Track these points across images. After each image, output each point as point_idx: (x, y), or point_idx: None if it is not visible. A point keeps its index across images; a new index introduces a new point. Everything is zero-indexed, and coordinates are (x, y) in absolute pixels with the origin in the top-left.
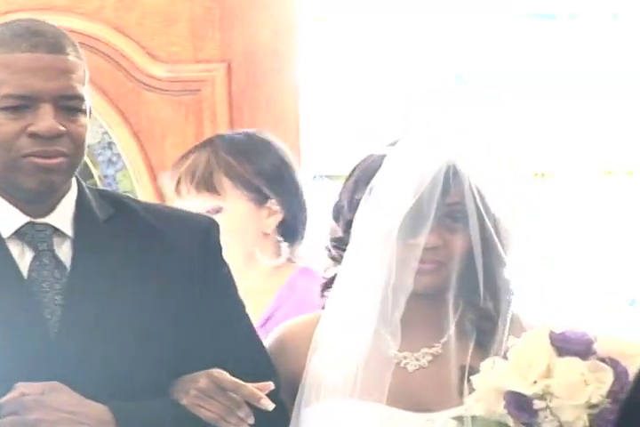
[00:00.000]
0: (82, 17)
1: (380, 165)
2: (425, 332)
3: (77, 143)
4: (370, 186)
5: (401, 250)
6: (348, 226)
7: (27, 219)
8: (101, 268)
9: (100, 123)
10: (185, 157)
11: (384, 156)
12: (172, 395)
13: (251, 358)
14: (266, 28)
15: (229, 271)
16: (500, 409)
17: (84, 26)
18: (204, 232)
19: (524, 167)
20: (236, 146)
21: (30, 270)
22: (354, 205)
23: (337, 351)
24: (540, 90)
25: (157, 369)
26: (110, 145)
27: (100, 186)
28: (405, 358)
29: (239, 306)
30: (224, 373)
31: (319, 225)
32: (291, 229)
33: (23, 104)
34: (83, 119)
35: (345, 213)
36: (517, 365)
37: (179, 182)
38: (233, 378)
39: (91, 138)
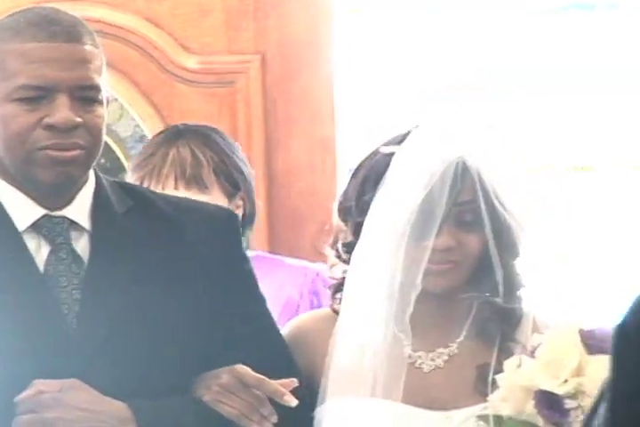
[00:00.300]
0: (113, 8)
1: (385, 165)
2: (441, 331)
3: (94, 135)
4: (379, 186)
5: (412, 251)
6: (357, 228)
7: (43, 211)
8: (119, 262)
9: (131, 116)
10: (152, 154)
11: (390, 154)
12: (194, 391)
13: (272, 354)
14: (301, 20)
15: (250, 267)
16: (529, 409)
17: (115, 17)
18: (225, 225)
19: (554, 162)
20: (212, 141)
21: (47, 265)
22: (362, 207)
23: (353, 351)
24: (568, 85)
25: (178, 366)
26: (142, 138)
27: None
28: (420, 357)
29: (260, 302)
30: (247, 368)
31: None
32: (250, 221)
33: (38, 95)
34: (100, 110)
35: (354, 215)
36: (547, 363)
37: (145, 181)
38: (256, 374)
39: (123, 131)
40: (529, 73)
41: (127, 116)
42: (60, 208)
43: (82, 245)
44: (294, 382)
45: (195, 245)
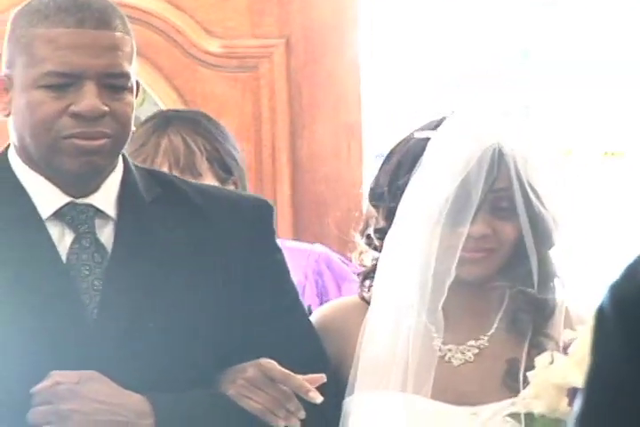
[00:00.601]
0: None
1: (420, 150)
2: (471, 324)
3: (122, 123)
4: (413, 172)
5: (446, 238)
6: (389, 214)
7: (68, 199)
8: (144, 252)
9: (154, 100)
10: (143, 144)
11: (425, 139)
12: (219, 385)
13: (304, 348)
14: (325, 3)
15: (283, 258)
16: (562, 407)
17: (137, 0)
18: (258, 216)
19: (588, 147)
20: (203, 127)
21: (69, 254)
22: (395, 192)
23: (383, 342)
24: (594, 71)
25: (200, 359)
26: None
27: None
28: (450, 350)
29: (293, 294)
30: (273, 362)
31: None
32: None
33: (65, 82)
34: (129, 98)
35: (386, 201)
36: (581, 360)
37: None
38: (283, 369)
39: (145, 116)
40: (554, 60)
41: (150, 100)
42: (86, 196)
43: (106, 234)
44: (323, 377)
45: (223, 235)
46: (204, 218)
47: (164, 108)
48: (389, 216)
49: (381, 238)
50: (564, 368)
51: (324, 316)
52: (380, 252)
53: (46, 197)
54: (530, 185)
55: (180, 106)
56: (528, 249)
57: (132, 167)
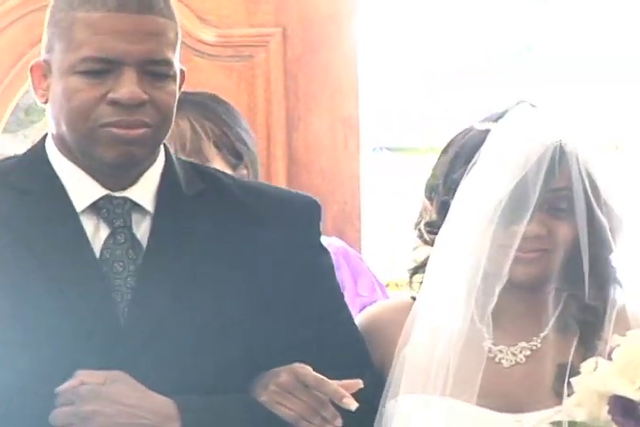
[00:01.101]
0: None
1: (479, 142)
2: (523, 324)
3: (163, 112)
4: (469, 166)
5: (499, 237)
6: (442, 207)
7: (104, 192)
8: (180, 250)
9: None
10: None
11: (485, 131)
12: (252, 391)
13: (347, 352)
14: None
15: (330, 260)
16: (603, 415)
17: None
18: (305, 215)
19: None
20: (211, 111)
21: (103, 249)
22: (449, 185)
23: (428, 344)
24: (609, 63)
25: (235, 362)
26: None
27: None
28: (501, 352)
29: (338, 297)
30: (307, 368)
31: (380, 198)
32: None
33: (104, 68)
34: (171, 86)
35: (440, 194)
36: (623, 367)
37: None
38: (316, 374)
39: None
40: (556, 56)
41: None
42: (124, 189)
43: (143, 230)
44: (359, 383)
45: (266, 235)
46: (248, 216)
47: None
48: (442, 210)
49: (432, 233)
50: (605, 375)
51: (372, 318)
52: (432, 246)
53: (82, 189)
54: (593, 184)
55: None
56: (582, 251)
57: (175, 160)
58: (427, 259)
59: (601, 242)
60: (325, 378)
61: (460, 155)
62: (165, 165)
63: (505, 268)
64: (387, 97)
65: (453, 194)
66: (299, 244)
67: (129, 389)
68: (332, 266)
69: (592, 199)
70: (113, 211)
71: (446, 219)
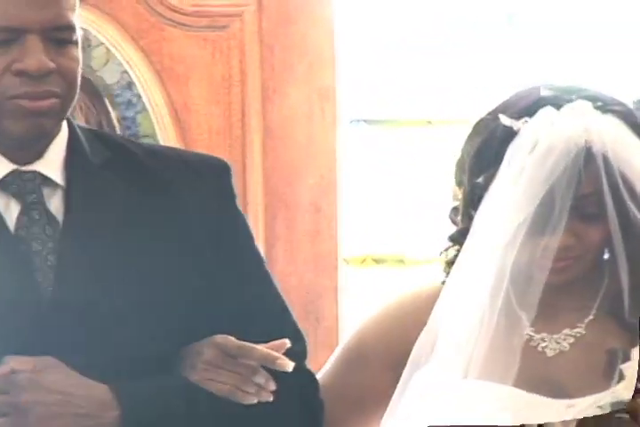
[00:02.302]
0: None
1: (507, 135)
2: (566, 311)
3: (70, 80)
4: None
5: (528, 248)
6: (468, 196)
7: (12, 167)
8: (98, 222)
9: (118, 61)
10: None
11: (509, 128)
12: (181, 371)
13: (272, 319)
14: None
15: (245, 222)
16: None
17: None
18: (216, 177)
19: None
20: None
21: (18, 227)
22: (477, 175)
23: (459, 330)
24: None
25: (166, 338)
26: (130, 85)
27: (118, 129)
28: (543, 340)
29: (258, 261)
30: (229, 338)
31: (357, 172)
32: None
33: (6, 38)
34: (74, 52)
35: (464, 183)
36: None
37: None
38: (240, 342)
39: (109, 77)
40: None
41: (114, 61)
42: (30, 163)
43: (56, 204)
44: (285, 343)
45: (181, 200)
46: (159, 182)
47: (128, 69)
48: (468, 198)
49: (455, 216)
50: None
51: (402, 302)
52: (457, 230)
53: None
54: (625, 183)
55: (145, 68)
56: (617, 253)
57: (78, 129)
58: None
59: (636, 239)
60: (251, 344)
61: (483, 152)
62: (70, 136)
63: (539, 276)
64: (364, 68)
65: (478, 187)
66: (211, 208)
67: (62, 376)
68: (249, 230)
69: (625, 199)
70: (24, 186)
71: (472, 230)
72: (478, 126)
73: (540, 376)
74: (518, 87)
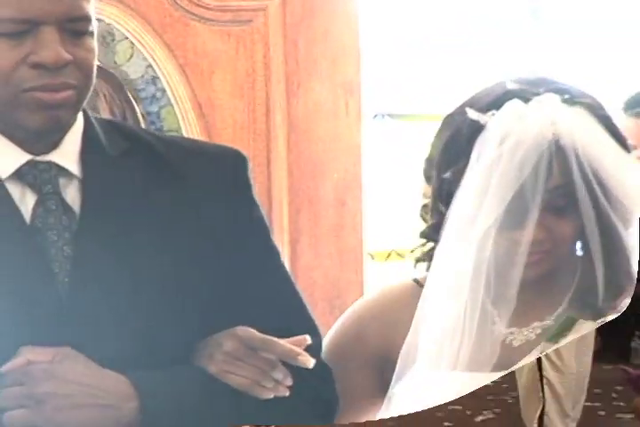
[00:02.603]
0: None
1: (470, 135)
2: (536, 304)
3: (86, 72)
4: (460, 166)
5: (501, 242)
6: (436, 193)
7: (28, 157)
8: (115, 212)
9: (143, 56)
10: None
11: (476, 122)
12: (196, 361)
13: (287, 312)
14: None
15: (261, 214)
16: None
17: None
18: (232, 169)
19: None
20: None
21: (34, 218)
22: (444, 171)
23: (437, 326)
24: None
25: (183, 328)
26: (154, 80)
27: (142, 124)
28: (512, 333)
29: (273, 253)
30: (251, 330)
31: (382, 167)
32: None
33: (23, 29)
34: (90, 43)
35: (431, 180)
36: None
37: None
38: (262, 335)
39: (133, 72)
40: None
41: (138, 55)
42: (46, 153)
43: (72, 194)
44: (306, 339)
45: (197, 191)
46: (176, 173)
47: (153, 64)
48: (436, 193)
49: (426, 213)
50: None
51: (374, 300)
52: (427, 226)
53: (3, 155)
54: (596, 175)
55: (170, 62)
56: (592, 245)
57: (93, 120)
58: (428, 252)
59: (609, 233)
60: (273, 338)
61: (451, 147)
62: (85, 126)
63: (512, 272)
64: (388, 63)
65: (445, 183)
66: (228, 198)
67: (81, 366)
68: (264, 221)
69: (597, 192)
70: (39, 176)
71: (447, 222)
72: (446, 121)
73: (503, 364)
74: None
